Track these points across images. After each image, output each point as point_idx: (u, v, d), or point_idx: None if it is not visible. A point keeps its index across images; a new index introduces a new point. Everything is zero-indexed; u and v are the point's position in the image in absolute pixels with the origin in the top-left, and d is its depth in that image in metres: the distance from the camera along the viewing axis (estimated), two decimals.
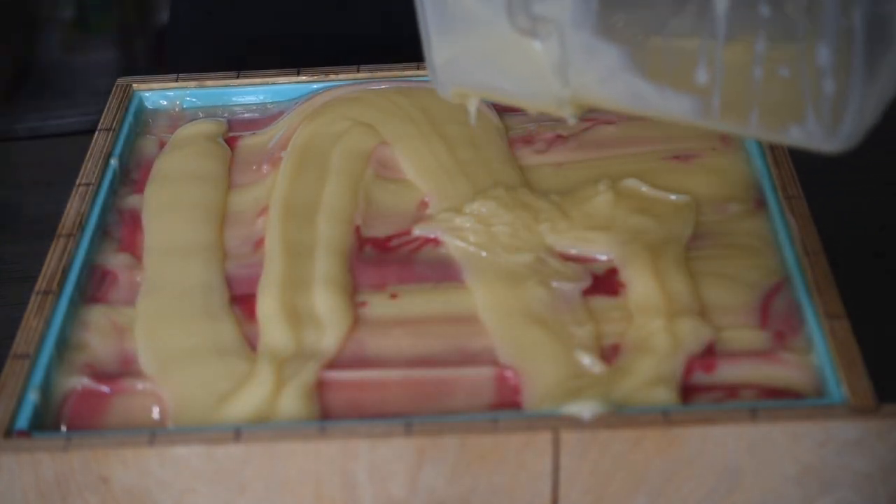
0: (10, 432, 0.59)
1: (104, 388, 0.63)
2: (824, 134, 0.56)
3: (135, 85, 0.82)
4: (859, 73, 0.54)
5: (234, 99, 0.82)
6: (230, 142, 0.79)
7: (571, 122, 0.63)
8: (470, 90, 0.65)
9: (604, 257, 0.69)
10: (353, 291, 0.67)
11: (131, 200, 0.74)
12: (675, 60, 0.58)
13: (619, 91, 0.60)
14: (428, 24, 0.63)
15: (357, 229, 0.71)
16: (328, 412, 0.61)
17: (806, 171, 0.72)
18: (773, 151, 0.73)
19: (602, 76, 0.60)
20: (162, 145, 0.78)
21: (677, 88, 0.58)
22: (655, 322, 0.64)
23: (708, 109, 0.58)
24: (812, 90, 0.55)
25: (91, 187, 0.73)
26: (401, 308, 0.66)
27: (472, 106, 0.65)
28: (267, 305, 0.66)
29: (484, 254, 0.69)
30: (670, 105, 0.59)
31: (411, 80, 0.81)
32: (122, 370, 0.64)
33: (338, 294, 0.67)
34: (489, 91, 0.64)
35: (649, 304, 0.65)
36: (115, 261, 0.70)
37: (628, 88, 0.59)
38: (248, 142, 0.79)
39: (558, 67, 0.60)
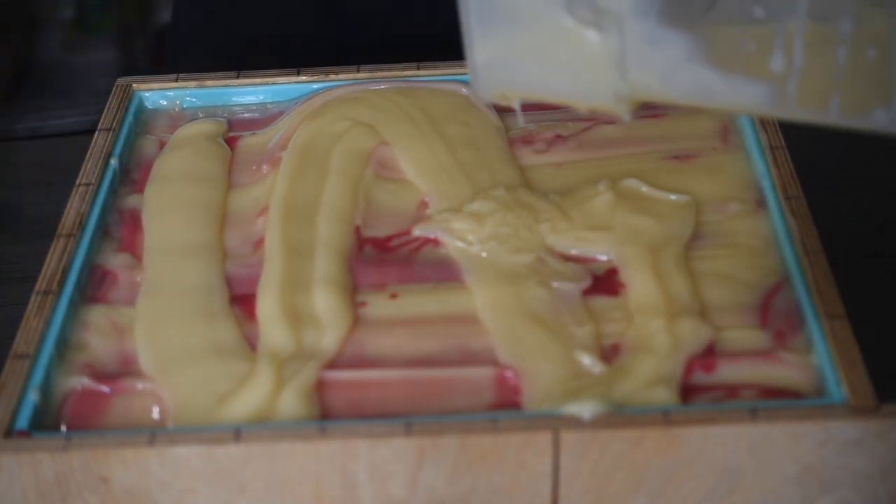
0: (10, 432, 0.59)
1: (104, 388, 0.63)
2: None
3: (135, 85, 0.82)
4: None
5: (234, 99, 0.82)
6: (230, 142, 0.79)
7: (626, 118, 0.60)
8: (513, 92, 0.62)
9: (604, 257, 0.69)
10: (353, 291, 0.67)
11: (131, 200, 0.74)
12: (746, 47, 0.56)
13: (683, 84, 0.57)
14: (471, 19, 0.60)
15: (357, 229, 0.71)
16: (328, 412, 0.61)
17: (806, 170, 0.72)
18: (773, 152, 0.73)
19: (666, 68, 0.57)
20: (162, 145, 0.78)
21: (750, 77, 0.56)
22: (655, 322, 0.64)
23: (784, 98, 0.55)
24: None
25: (91, 187, 0.73)
26: (401, 308, 0.66)
27: (517, 105, 0.63)
28: (267, 305, 0.66)
29: (484, 254, 0.69)
30: (742, 96, 0.56)
31: (411, 80, 0.81)
32: (122, 370, 0.64)
33: (338, 294, 0.67)
34: (534, 91, 0.62)
35: (649, 304, 0.65)
36: (115, 261, 0.70)
37: (694, 80, 0.57)
38: (248, 142, 0.79)
39: (618, 61, 0.58)
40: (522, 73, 0.61)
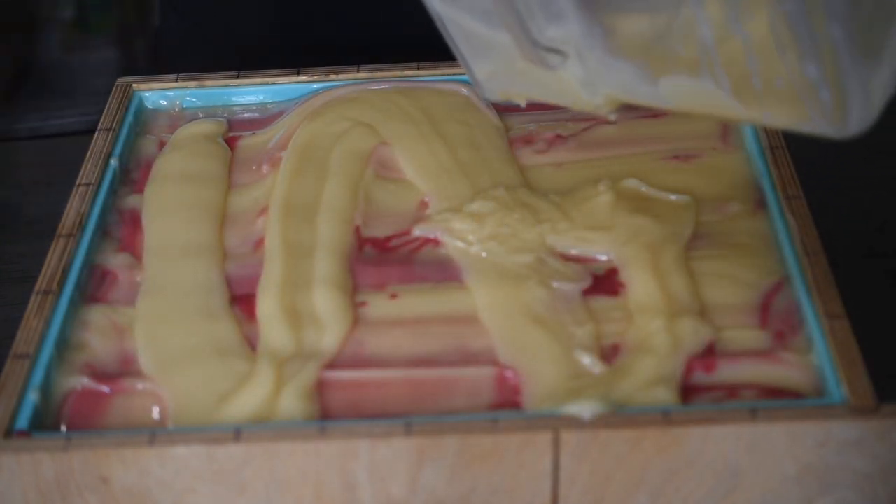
0: (10, 432, 0.59)
1: (104, 388, 0.63)
2: (831, 128, 0.56)
3: (135, 85, 0.82)
4: (851, 72, 0.54)
5: (234, 99, 0.82)
6: (230, 142, 0.79)
7: (612, 118, 0.65)
8: (517, 94, 0.67)
9: (604, 257, 0.69)
10: (353, 291, 0.67)
11: (131, 200, 0.74)
12: (678, 51, 0.59)
13: (642, 96, 0.61)
14: (460, 50, 0.65)
15: (357, 229, 0.71)
16: (328, 412, 0.61)
17: (806, 170, 0.72)
18: (773, 152, 0.73)
19: (624, 88, 0.60)
20: (162, 145, 0.78)
21: (692, 78, 0.59)
22: (655, 322, 0.64)
23: (726, 96, 0.58)
24: (809, 96, 0.56)
25: (91, 187, 0.73)
26: (401, 308, 0.66)
27: (523, 102, 0.68)
28: (267, 305, 0.66)
29: (484, 254, 0.69)
30: (687, 100, 0.59)
31: (411, 80, 0.81)
32: (122, 370, 0.64)
33: (338, 294, 0.67)
34: (533, 95, 0.66)
35: (649, 304, 0.65)
36: (115, 261, 0.70)
37: (650, 94, 0.60)
38: (248, 142, 0.79)
39: (582, 83, 0.62)
40: (516, 84, 0.65)
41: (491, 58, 0.64)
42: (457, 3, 0.63)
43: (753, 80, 0.57)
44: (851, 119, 0.55)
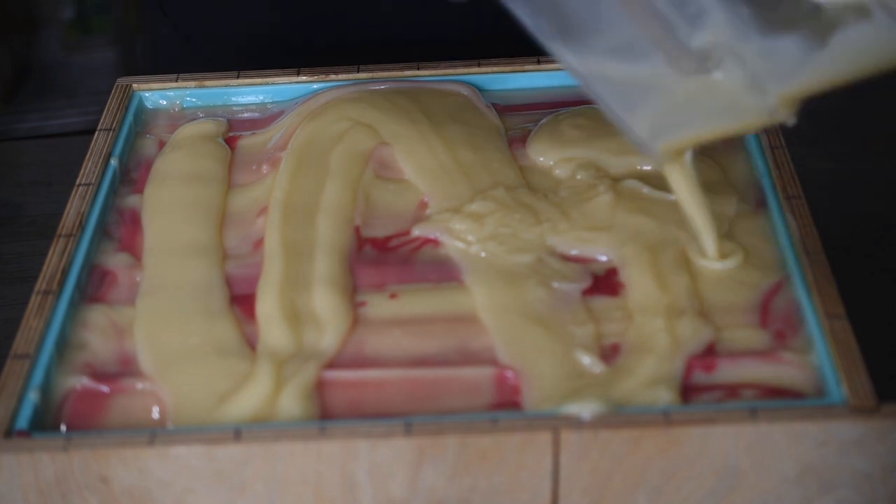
0: (10, 432, 0.59)
1: (104, 388, 0.63)
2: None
3: (135, 85, 0.82)
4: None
5: (234, 99, 0.82)
6: (230, 142, 0.79)
7: (791, 122, 0.61)
8: (681, 143, 0.64)
9: (604, 257, 0.69)
10: (352, 291, 0.67)
11: (131, 200, 0.74)
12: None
13: (813, 73, 0.59)
14: (612, 107, 0.62)
15: (357, 229, 0.71)
16: (328, 412, 0.61)
17: (806, 170, 0.72)
18: (773, 152, 0.73)
19: (792, 69, 0.59)
20: (162, 145, 0.78)
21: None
22: (655, 322, 0.64)
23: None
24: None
25: (91, 187, 0.73)
26: (400, 308, 0.66)
27: (689, 155, 0.65)
28: (266, 305, 0.66)
29: (484, 254, 0.69)
30: (861, 55, 0.58)
31: (411, 80, 0.81)
32: (122, 370, 0.64)
33: (337, 294, 0.67)
34: (701, 134, 0.64)
35: (649, 304, 0.65)
36: (115, 260, 0.70)
37: (821, 66, 0.58)
38: (248, 142, 0.79)
39: (749, 84, 0.60)
40: (682, 125, 0.62)
41: (648, 102, 0.62)
42: (594, 50, 0.61)
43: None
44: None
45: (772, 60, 0.58)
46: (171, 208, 0.73)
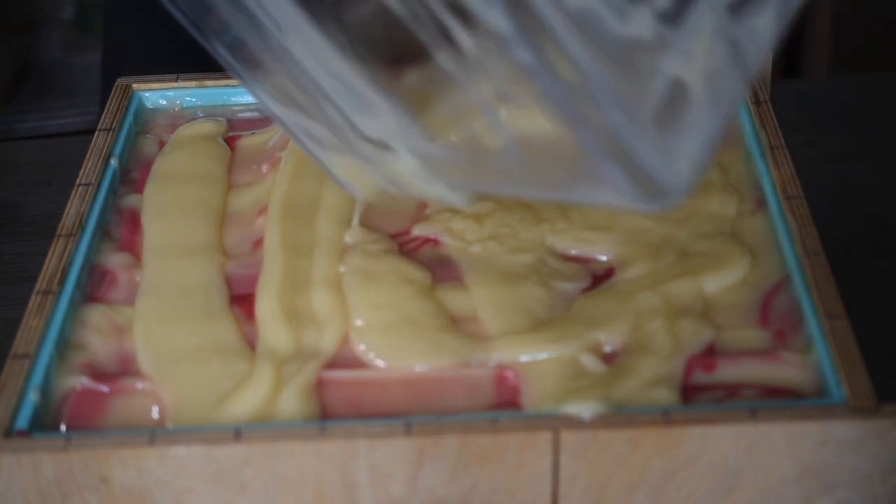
0: (10, 432, 0.59)
1: (103, 388, 0.63)
2: (645, 203, 0.55)
3: (135, 85, 0.82)
4: (639, 147, 0.53)
5: (234, 99, 0.82)
6: (230, 142, 0.79)
7: (463, 204, 0.64)
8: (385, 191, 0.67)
9: (604, 257, 0.69)
10: None
11: (131, 200, 0.74)
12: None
13: (473, 187, 0.63)
14: (310, 151, 0.67)
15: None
16: (328, 412, 0.61)
17: (806, 170, 0.72)
18: (773, 151, 0.73)
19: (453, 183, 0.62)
20: (162, 145, 0.78)
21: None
22: (655, 322, 0.64)
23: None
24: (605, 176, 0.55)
25: (91, 187, 0.73)
26: None
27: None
28: (266, 305, 0.66)
29: (483, 254, 0.69)
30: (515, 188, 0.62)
31: None
32: (122, 370, 0.64)
33: (337, 294, 0.67)
34: (401, 193, 0.66)
35: (649, 304, 0.65)
36: (115, 260, 0.70)
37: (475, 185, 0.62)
38: (248, 142, 0.79)
39: (417, 175, 0.63)
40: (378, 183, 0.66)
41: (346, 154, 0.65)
42: (294, 107, 0.64)
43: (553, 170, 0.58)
44: (664, 190, 0.54)
45: (436, 167, 0.62)
46: (170, 208, 0.73)
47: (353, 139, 0.63)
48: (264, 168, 0.76)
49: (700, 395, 0.61)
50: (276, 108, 0.65)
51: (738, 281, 0.66)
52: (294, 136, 0.66)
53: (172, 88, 0.82)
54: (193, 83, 0.82)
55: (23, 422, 0.60)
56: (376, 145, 0.62)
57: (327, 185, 0.73)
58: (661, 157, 0.53)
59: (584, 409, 0.59)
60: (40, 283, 0.67)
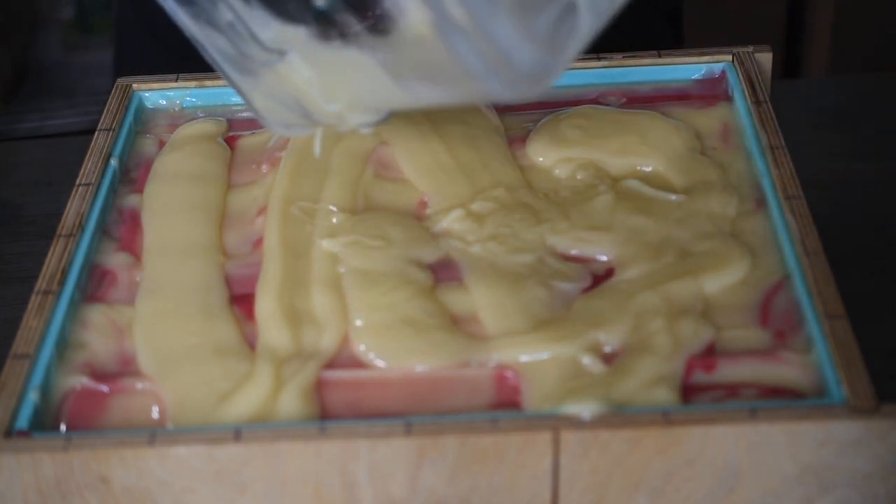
0: (10, 432, 0.59)
1: (103, 388, 0.63)
2: (507, 89, 0.58)
3: (135, 85, 0.82)
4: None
5: (234, 99, 0.82)
6: (230, 141, 0.79)
7: (365, 131, 0.66)
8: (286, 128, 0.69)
9: (604, 257, 0.69)
10: None
11: (131, 200, 0.74)
12: None
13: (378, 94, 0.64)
14: (228, 76, 0.68)
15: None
16: (328, 412, 0.61)
17: (806, 171, 0.72)
18: (773, 151, 0.73)
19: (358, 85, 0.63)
20: (162, 145, 0.78)
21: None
22: (655, 322, 0.64)
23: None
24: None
25: (91, 187, 0.73)
26: None
27: (317, 140, 0.72)
28: (266, 305, 0.66)
29: (484, 254, 0.69)
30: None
31: None
32: (122, 370, 0.64)
33: (337, 294, 0.67)
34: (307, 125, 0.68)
35: (649, 304, 0.65)
36: (115, 260, 0.70)
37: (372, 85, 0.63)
38: (248, 141, 0.79)
39: (311, 85, 0.64)
40: (282, 114, 0.69)
41: (256, 77, 0.66)
42: (210, 23, 0.65)
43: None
44: (525, 71, 0.56)
45: (336, 67, 0.63)
46: (170, 208, 0.73)
47: (250, 47, 0.63)
48: (264, 168, 0.76)
49: (700, 395, 0.61)
50: (195, 29, 0.66)
51: (738, 281, 0.66)
52: (214, 63, 0.67)
53: (172, 88, 0.82)
54: (193, 83, 0.82)
55: (23, 422, 0.60)
56: (271, 52, 0.63)
57: (327, 184, 0.73)
58: (517, 41, 0.55)
59: (584, 409, 0.59)
60: (40, 283, 0.67)
